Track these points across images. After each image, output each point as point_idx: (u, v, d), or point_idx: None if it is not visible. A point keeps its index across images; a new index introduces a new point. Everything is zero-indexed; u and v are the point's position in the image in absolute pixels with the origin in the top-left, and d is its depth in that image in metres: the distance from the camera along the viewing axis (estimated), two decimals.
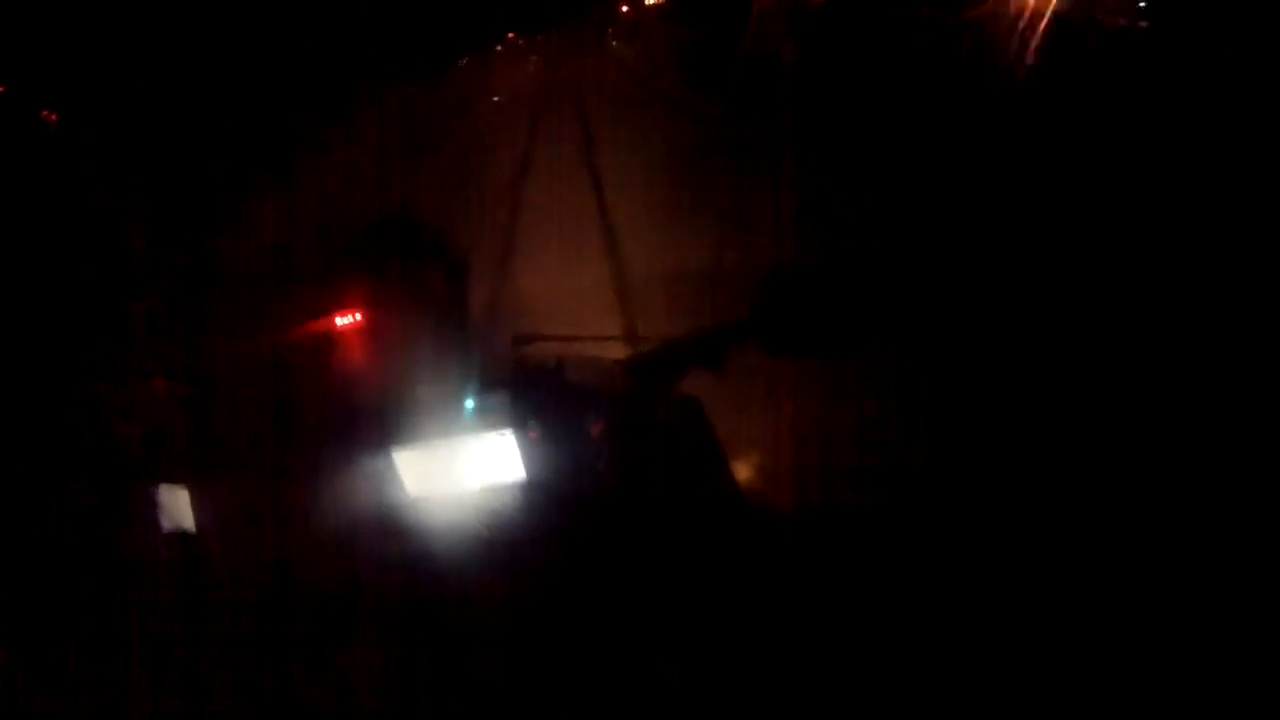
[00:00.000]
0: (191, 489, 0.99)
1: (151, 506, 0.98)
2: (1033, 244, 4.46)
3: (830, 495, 2.20)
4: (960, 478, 2.45)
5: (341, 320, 1.10)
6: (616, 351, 1.37)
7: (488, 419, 1.11)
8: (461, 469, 1.12)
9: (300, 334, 1.12)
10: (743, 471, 1.37)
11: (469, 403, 1.13)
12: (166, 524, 0.99)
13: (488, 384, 1.21)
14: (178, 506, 0.98)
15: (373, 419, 1.10)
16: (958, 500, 2.30)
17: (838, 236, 4.64)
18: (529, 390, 1.24)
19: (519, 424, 1.10)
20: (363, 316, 1.11)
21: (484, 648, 0.96)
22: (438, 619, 1.01)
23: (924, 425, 2.81)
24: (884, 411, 2.86)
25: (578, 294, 4.45)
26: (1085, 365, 3.18)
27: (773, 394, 2.29)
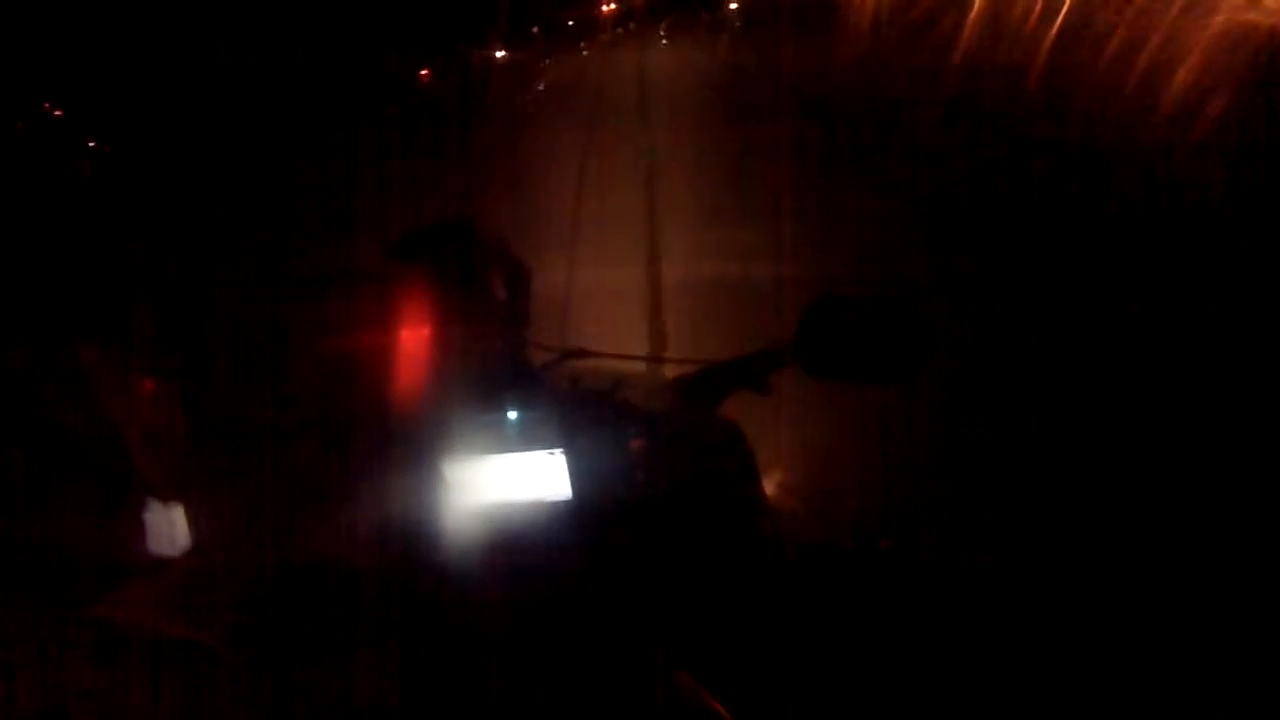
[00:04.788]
0: (207, 491, 0.98)
1: (155, 507, 0.97)
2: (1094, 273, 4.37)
3: (863, 525, 2.18)
4: (1003, 514, 2.42)
5: (398, 329, 1.08)
6: (664, 371, 1.36)
7: (537, 434, 1.09)
8: (509, 484, 1.09)
9: (354, 341, 1.09)
10: (777, 495, 1.35)
11: (518, 417, 1.11)
12: (170, 525, 0.98)
13: (537, 398, 1.19)
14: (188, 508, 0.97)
15: (423, 429, 1.08)
16: (997, 537, 2.26)
17: (891, 258, 4.60)
18: (578, 408, 1.22)
19: (569, 441, 1.08)
20: (420, 326, 1.09)
21: (504, 660, 0.95)
22: (460, 629, 0.99)
23: (971, 457, 2.76)
24: (928, 440, 2.81)
25: (627, 307, 4.44)
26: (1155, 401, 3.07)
27: (814, 418, 2.26)
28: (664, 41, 26.46)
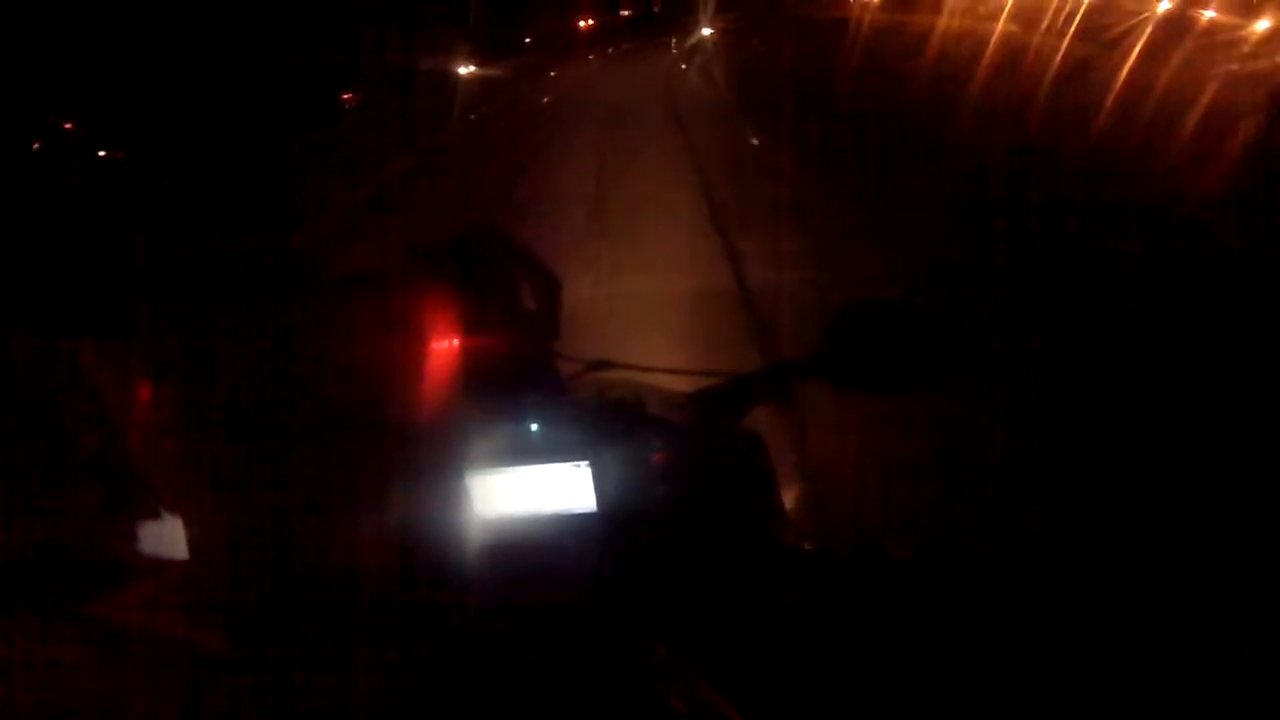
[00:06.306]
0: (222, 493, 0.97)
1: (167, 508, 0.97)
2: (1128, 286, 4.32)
3: (880, 537, 2.17)
4: (1026, 530, 2.39)
5: (421, 336, 1.08)
6: (687, 384, 1.36)
7: (563, 446, 1.08)
8: (533, 495, 1.09)
9: (375, 347, 1.09)
10: (797, 508, 1.35)
11: (542, 428, 1.11)
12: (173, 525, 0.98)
13: (564, 409, 1.19)
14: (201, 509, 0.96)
15: (448, 438, 1.08)
16: (1018, 553, 2.24)
17: (919, 270, 4.58)
18: (604, 419, 1.21)
19: (593, 453, 1.07)
20: (443, 334, 1.09)
21: (521, 671, 0.94)
22: (477, 640, 0.99)
23: (993, 471, 2.74)
24: (950, 454, 2.79)
25: (651, 320, 4.43)
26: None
27: (837, 430, 2.24)
28: (674, 52, 26.96)
